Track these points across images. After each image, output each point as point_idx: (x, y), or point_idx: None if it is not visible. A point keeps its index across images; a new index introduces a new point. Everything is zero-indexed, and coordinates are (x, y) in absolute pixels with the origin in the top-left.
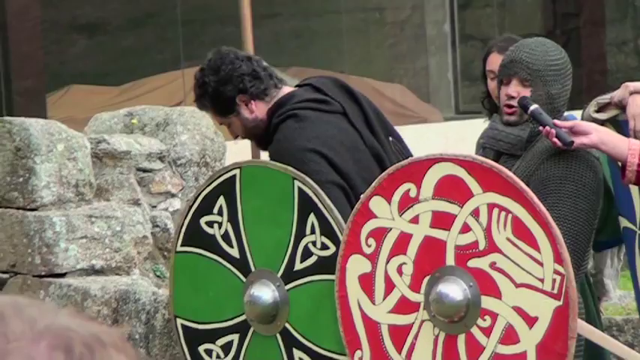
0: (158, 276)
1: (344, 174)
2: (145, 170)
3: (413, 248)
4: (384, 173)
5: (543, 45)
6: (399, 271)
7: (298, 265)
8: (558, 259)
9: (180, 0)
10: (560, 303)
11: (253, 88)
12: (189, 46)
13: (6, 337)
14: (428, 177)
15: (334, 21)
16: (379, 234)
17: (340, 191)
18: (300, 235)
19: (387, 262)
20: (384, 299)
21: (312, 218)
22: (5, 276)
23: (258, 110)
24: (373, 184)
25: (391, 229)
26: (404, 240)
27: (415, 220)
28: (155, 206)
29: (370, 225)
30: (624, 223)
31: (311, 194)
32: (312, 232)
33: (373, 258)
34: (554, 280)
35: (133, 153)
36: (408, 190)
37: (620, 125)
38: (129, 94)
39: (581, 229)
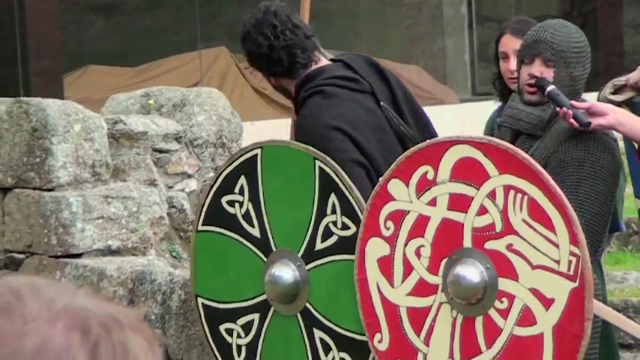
0: (174, 257)
1: (367, 154)
2: (161, 151)
3: (431, 231)
4: (401, 156)
5: (566, 27)
6: (418, 254)
7: (319, 245)
8: (574, 240)
9: None
10: (576, 284)
11: (275, 69)
12: (206, 27)
13: (23, 317)
14: (445, 159)
15: (351, 2)
16: (397, 217)
17: (362, 170)
18: (321, 214)
19: (406, 244)
20: (402, 282)
21: (332, 198)
22: (21, 256)
23: (282, 82)
24: (391, 166)
25: (409, 211)
26: (422, 222)
27: (433, 202)
28: (171, 187)
29: (389, 208)
30: None
31: (332, 174)
32: (333, 212)
33: (392, 241)
34: (569, 262)
35: (150, 134)
36: (426, 172)
37: (635, 107)
38: (145, 75)
39: (599, 212)
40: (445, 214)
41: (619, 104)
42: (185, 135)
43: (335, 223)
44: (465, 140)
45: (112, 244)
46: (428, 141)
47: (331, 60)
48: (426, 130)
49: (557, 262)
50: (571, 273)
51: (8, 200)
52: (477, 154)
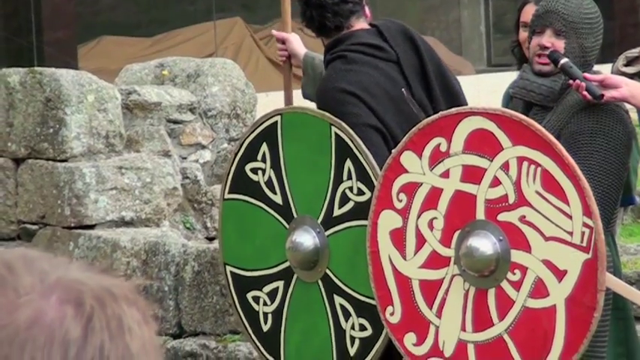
0: (188, 228)
1: (383, 122)
2: (175, 122)
3: (443, 203)
4: (414, 128)
5: None
6: (430, 226)
7: (337, 212)
8: (587, 211)
9: None
10: (589, 256)
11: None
12: None
13: (16, 290)
14: (458, 131)
15: None
16: (410, 189)
17: (379, 135)
18: (338, 180)
19: (418, 217)
20: (415, 254)
21: (348, 164)
22: (35, 227)
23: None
24: (404, 139)
25: (422, 183)
26: (435, 195)
27: (446, 174)
28: (185, 158)
29: (401, 180)
30: None
31: (347, 140)
32: (349, 177)
33: (404, 213)
34: (583, 233)
35: (164, 104)
36: (439, 144)
37: None
38: (160, 46)
39: (612, 183)
40: (458, 186)
41: (631, 76)
42: (199, 106)
43: (351, 189)
44: (478, 112)
45: (126, 215)
46: (441, 112)
47: (370, 25)
48: (455, 106)
49: (570, 233)
50: (584, 244)
51: (21, 171)
52: (491, 126)
